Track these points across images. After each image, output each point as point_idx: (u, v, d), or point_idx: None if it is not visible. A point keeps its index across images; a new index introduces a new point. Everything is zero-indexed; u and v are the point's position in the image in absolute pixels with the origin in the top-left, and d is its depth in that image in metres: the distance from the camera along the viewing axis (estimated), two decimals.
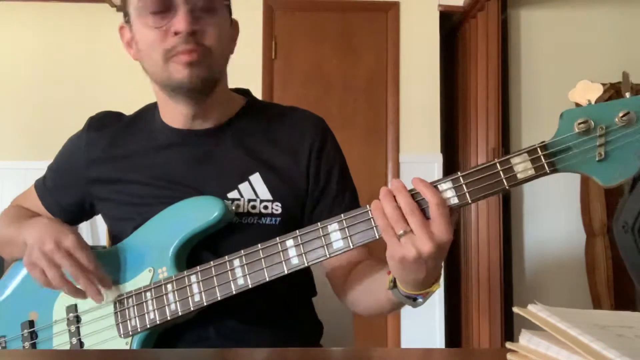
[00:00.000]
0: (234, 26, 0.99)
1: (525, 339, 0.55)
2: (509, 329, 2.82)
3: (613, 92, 2.87)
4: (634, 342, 0.51)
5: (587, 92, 0.71)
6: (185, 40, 0.86)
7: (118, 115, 1.07)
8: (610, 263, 2.81)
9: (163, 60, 0.88)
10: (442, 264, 0.78)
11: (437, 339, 2.92)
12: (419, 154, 2.98)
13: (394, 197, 0.74)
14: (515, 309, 0.57)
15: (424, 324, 2.93)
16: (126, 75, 2.97)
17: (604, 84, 2.90)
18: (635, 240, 0.62)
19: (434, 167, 2.95)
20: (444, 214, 0.72)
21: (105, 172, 1.00)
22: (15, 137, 3.02)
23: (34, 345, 0.94)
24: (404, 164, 2.98)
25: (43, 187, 1.09)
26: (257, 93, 2.88)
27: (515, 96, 3.13)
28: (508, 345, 0.57)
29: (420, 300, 0.80)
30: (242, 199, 0.94)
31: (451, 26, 3.30)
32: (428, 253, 0.71)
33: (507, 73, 3.10)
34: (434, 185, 0.74)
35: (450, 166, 3.15)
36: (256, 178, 0.95)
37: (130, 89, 2.89)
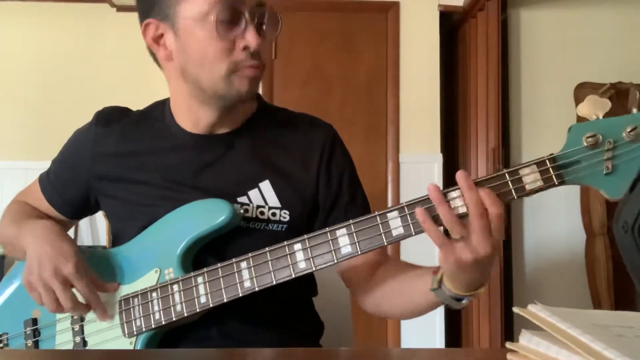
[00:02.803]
0: None
1: (525, 339, 0.55)
2: (509, 329, 2.82)
3: (613, 92, 2.87)
4: (634, 342, 0.52)
5: (595, 107, 0.73)
6: (253, 56, 0.88)
7: (125, 111, 1.06)
8: (610, 263, 2.81)
9: (227, 73, 0.88)
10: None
11: (437, 339, 2.92)
12: (419, 154, 2.98)
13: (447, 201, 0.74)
14: (515, 309, 0.57)
15: (424, 324, 2.93)
16: (126, 74, 2.98)
17: (603, 84, 2.90)
18: (635, 240, 0.63)
19: (434, 167, 2.95)
20: (503, 224, 0.73)
21: (112, 169, 1.00)
22: (15, 137, 3.03)
23: (36, 343, 0.94)
24: (404, 164, 2.98)
25: (47, 181, 1.08)
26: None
27: (515, 96, 3.13)
28: (508, 345, 0.57)
29: (464, 301, 0.81)
30: (251, 204, 0.94)
31: (451, 26, 3.30)
32: (484, 256, 0.72)
33: (507, 73, 3.10)
34: (444, 193, 0.74)
35: (450, 166, 3.15)
36: (266, 185, 0.95)
37: (130, 89, 2.90)
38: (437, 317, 2.93)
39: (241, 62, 0.88)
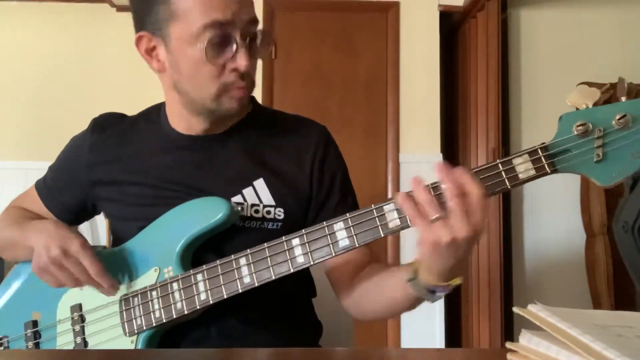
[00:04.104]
0: None
1: (525, 339, 0.55)
2: (509, 329, 2.82)
3: (613, 92, 2.86)
4: (634, 342, 0.52)
5: (585, 96, 0.74)
6: (242, 77, 0.89)
7: (121, 117, 1.07)
8: (610, 263, 2.81)
9: (216, 93, 0.90)
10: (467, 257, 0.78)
11: (437, 339, 2.92)
12: (419, 154, 2.98)
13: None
14: (515, 309, 0.57)
15: (424, 324, 2.93)
16: (126, 75, 2.98)
17: (603, 84, 2.89)
18: (635, 240, 0.63)
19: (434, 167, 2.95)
20: (484, 206, 0.72)
21: (109, 173, 1.01)
22: (15, 137, 3.03)
23: (37, 345, 0.94)
24: (404, 164, 2.98)
25: (44, 187, 1.09)
26: (257, 93, 2.88)
27: (515, 96, 3.13)
28: (508, 345, 0.57)
29: (439, 294, 0.81)
30: (245, 203, 0.95)
31: (451, 26, 3.30)
32: (463, 237, 0.72)
33: (507, 73, 3.10)
34: (436, 185, 0.75)
35: (451, 166, 3.15)
36: (260, 184, 0.96)
37: (130, 89, 2.90)
38: (437, 317, 2.94)
39: (230, 84, 0.89)
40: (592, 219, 2.87)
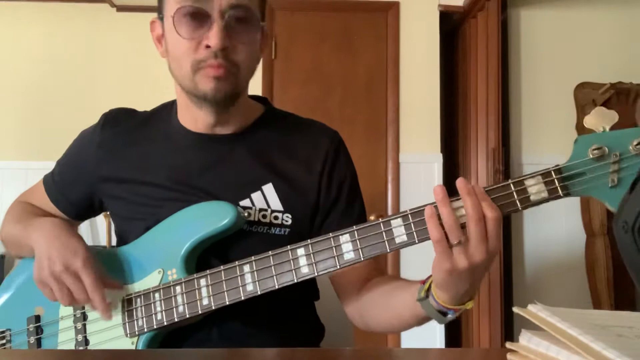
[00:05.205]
0: (264, 35, 0.98)
1: (525, 339, 0.55)
2: (509, 329, 2.82)
3: (613, 92, 2.87)
4: (634, 342, 0.52)
5: (602, 119, 0.72)
6: (215, 55, 0.87)
7: (132, 112, 1.06)
8: (610, 263, 2.81)
9: (192, 70, 0.89)
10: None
11: (437, 339, 2.92)
12: (419, 154, 2.98)
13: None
14: (515, 309, 0.57)
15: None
16: (126, 75, 2.98)
17: (603, 84, 2.90)
18: (635, 240, 0.62)
19: (434, 167, 2.95)
20: (500, 230, 0.72)
21: (117, 171, 1.00)
22: (15, 137, 3.02)
23: (38, 340, 0.94)
24: (404, 164, 2.98)
25: (51, 181, 1.08)
26: (257, 93, 2.88)
27: (515, 96, 3.13)
28: (508, 345, 0.57)
29: (450, 316, 0.80)
30: (253, 207, 0.94)
31: (451, 26, 3.30)
32: (479, 263, 0.72)
33: (507, 73, 3.10)
34: (455, 200, 0.74)
35: (450, 166, 3.15)
36: (269, 188, 0.95)
37: (130, 89, 2.90)
38: None
39: (203, 61, 0.88)
40: (592, 219, 2.87)
